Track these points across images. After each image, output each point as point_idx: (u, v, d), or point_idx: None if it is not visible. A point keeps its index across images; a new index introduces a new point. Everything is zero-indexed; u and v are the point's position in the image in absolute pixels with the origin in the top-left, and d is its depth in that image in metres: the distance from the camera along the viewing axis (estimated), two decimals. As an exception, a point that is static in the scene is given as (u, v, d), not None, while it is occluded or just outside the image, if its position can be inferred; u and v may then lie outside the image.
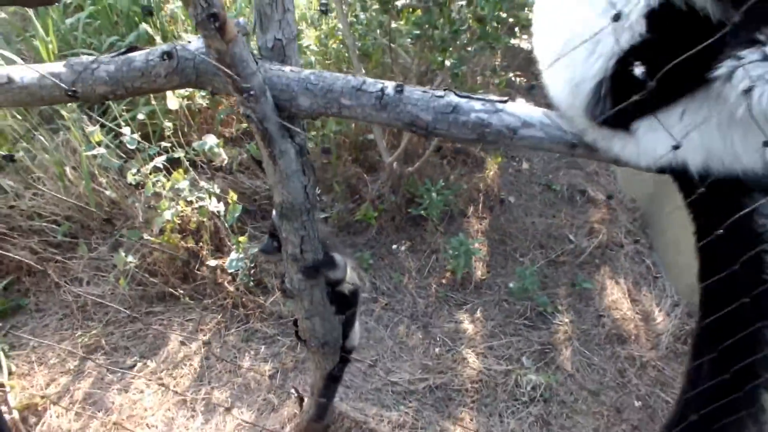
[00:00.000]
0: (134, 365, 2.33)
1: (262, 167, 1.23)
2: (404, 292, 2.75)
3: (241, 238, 2.44)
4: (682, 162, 0.80)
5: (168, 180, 2.33)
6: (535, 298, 2.70)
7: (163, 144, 2.47)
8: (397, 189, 2.90)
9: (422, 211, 2.91)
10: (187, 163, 2.52)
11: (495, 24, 2.25)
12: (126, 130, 2.29)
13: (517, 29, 2.67)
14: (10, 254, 2.41)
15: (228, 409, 2.14)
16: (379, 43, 2.61)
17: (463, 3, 2.24)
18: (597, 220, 3.24)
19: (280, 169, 1.07)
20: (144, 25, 2.65)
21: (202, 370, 2.34)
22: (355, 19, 2.48)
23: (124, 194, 2.61)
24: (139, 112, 2.62)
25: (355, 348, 1.81)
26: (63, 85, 0.98)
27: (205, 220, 2.49)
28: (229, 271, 2.48)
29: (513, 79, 3.50)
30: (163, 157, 2.38)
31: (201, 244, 2.53)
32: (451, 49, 2.36)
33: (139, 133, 2.35)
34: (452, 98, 0.92)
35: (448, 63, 2.38)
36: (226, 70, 0.83)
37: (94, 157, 2.37)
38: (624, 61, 0.75)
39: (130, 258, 2.37)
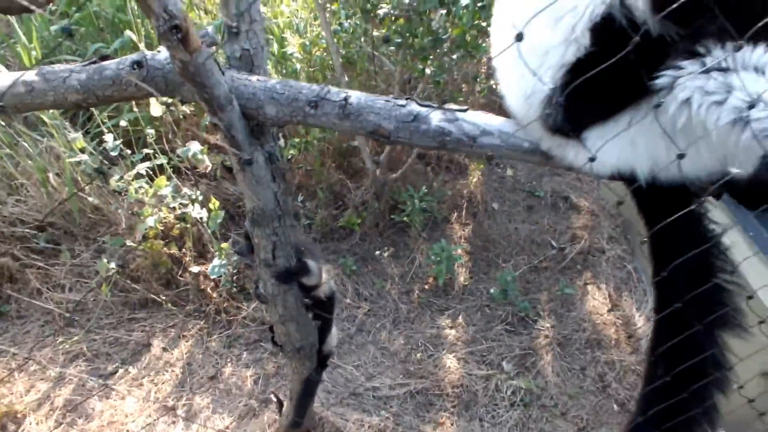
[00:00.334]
0: (116, 371, 2.33)
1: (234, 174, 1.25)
2: (387, 297, 2.77)
3: (224, 245, 2.45)
4: (631, 169, 0.83)
5: (150, 187, 2.34)
6: (517, 303, 2.73)
7: (146, 151, 2.48)
8: (381, 195, 2.92)
9: (405, 218, 2.94)
10: (170, 170, 2.53)
11: (474, 33, 2.28)
12: (108, 137, 2.30)
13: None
14: (-8, 261, 2.41)
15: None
16: (363, 51, 2.64)
17: (443, 12, 2.28)
18: (580, 226, 3.28)
19: (249, 176, 1.09)
20: (128, 32, 2.66)
21: (183, 376, 2.34)
22: (339, 27, 2.51)
23: (108, 201, 2.62)
24: (122, 119, 2.63)
25: (332, 353, 1.83)
26: None
27: (188, 226, 2.50)
28: (212, 277, 2.48)
29: (495, 86, 3.54)
30: (146, 164, 2.39)
31: (184, 250, 2.54)
32: (432, 57, 2.39)
33: (122, 140, 2.37)
34: (413, 107, 0.94)
35: (428, 71, 2.42)
36: (190, 79, 0.86)
37: (78, 163, 2.38)
38: (571, 72, 0.77)
39: (112, 264, 2.37)
